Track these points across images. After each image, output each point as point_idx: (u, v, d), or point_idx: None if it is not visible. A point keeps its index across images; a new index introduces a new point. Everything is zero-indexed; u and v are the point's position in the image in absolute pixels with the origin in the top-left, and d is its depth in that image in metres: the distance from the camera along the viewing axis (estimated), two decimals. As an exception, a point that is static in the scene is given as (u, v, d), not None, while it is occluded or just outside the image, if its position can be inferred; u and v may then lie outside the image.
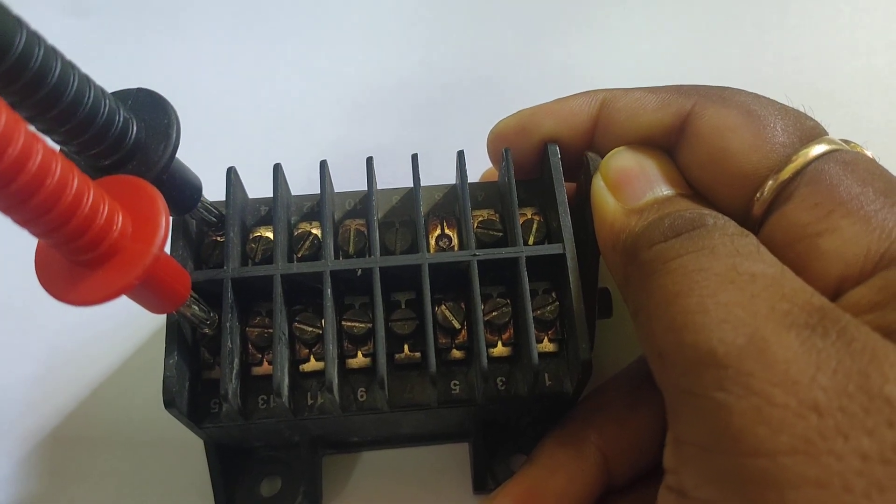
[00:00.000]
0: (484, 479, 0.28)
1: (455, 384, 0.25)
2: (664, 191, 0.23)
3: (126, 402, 0.30)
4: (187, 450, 0.28)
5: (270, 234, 0.26)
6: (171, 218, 0.19)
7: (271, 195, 0.26)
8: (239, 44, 0.39)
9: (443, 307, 0.25)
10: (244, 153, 0.29)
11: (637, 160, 0.24)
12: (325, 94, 0.37)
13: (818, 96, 0.36)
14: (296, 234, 0.26)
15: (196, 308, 0.23)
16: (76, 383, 0.31)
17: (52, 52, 0.17)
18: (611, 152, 0.25)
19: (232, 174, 0.26)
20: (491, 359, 0.25)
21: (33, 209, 0.16)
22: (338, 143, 0.35)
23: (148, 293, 0.20)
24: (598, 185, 0.24)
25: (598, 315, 0.27)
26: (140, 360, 0.31)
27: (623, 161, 0.24)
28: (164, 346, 0.24)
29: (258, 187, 0.27)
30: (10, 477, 0.29)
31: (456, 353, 0.25)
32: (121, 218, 0.18)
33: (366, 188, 0.26)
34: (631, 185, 0.23)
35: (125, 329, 0.31)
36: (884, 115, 0.36)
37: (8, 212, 0.15)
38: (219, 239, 0.26)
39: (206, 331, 0.24)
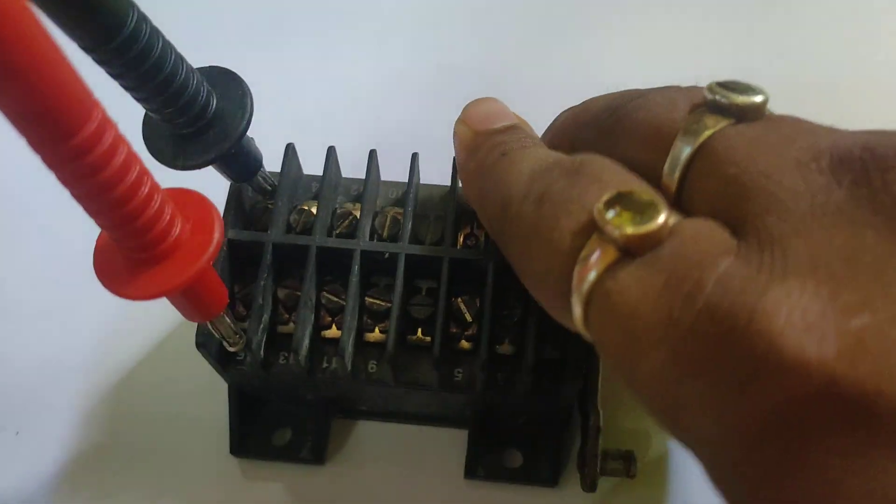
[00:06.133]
0: (475, 467, 0.30)
1: (458, 372, 0.27)
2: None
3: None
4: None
5: (315, 210, 0.28)
6: (224, 227, 0.20)
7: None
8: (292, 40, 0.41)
9: (459, 300, 0.27)
10: (309, 133, 0.31)
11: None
12: (393, 87, 0.39)
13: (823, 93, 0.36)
14: (338, 212, 0.29)
15: (228, 321, 0.24)
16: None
17: (156, 32, 0.20)
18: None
19: (290, 149, 0.28)
20: (496, 355, 0.27)
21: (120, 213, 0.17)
22: (395, 134, 0.37)
23: (190, 299, 0.21)
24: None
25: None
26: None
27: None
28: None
29: (316, 167, 0.30)
30: (88, 411, 0.32)
31: (464, 344, 0.27)
32: (180, 224, 0.19)
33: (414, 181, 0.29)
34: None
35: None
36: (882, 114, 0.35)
37: (95, 214, 0.17)
38: (270, 206, 0.28)
39: (230, 348, 0.26)
